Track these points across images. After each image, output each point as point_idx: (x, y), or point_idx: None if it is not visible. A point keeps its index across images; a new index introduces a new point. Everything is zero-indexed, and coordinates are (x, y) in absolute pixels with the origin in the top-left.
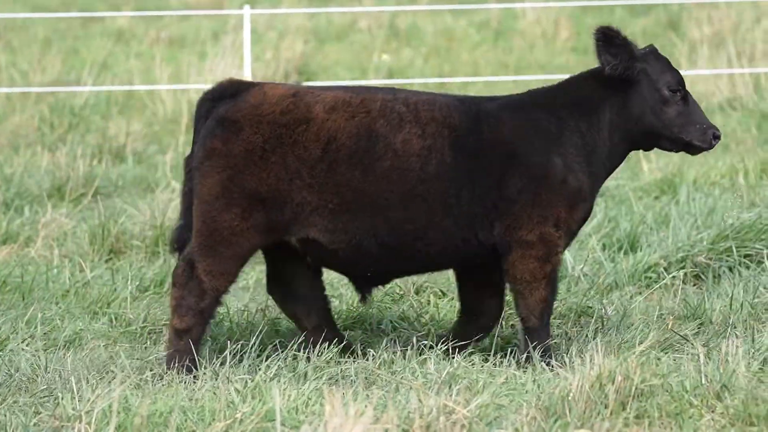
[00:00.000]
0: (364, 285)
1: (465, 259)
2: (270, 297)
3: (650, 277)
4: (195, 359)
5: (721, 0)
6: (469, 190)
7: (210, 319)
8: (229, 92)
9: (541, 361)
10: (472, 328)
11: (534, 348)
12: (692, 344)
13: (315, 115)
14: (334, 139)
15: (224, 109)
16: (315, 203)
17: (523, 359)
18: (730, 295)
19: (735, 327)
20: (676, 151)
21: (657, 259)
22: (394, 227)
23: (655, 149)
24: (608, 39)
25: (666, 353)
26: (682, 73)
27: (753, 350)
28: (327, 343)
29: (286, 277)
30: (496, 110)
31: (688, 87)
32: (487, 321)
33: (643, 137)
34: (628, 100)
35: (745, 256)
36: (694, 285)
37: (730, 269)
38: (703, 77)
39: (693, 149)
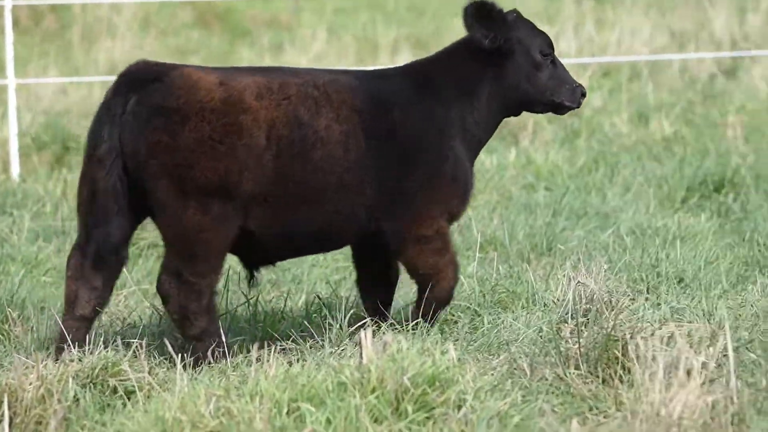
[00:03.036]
0: (255, 267)
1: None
2: None
3: None
4: (225, 350)
5: None
6: (377, 178)
7: (216, 313)
8: (150, 77)
9: None
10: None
11: None
12: None
13: (249, 104)
14: (273, 127)
15: (158, 96)
16: (258, 194)
17: None
18: None
19: None
20: (544, 113)
21: None
22: (325, 218)
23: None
24: (483, 14)
25: None
26: None
27: None
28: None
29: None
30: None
31: None
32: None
33: (517, 105)
34: (505, 70)
35: None
36: None
37: None
38: None
39: (563, 109)
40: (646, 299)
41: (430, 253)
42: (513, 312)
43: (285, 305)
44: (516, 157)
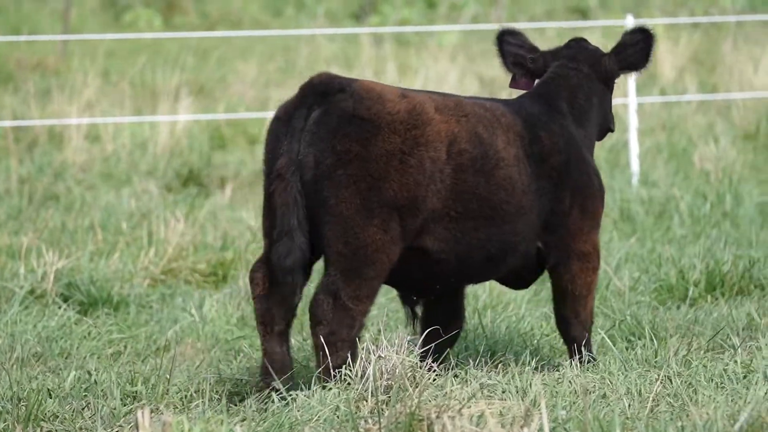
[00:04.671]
0: (415, 300)
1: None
2: None
3: None
4: None
5: None
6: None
7: (357, 349)
8: (334, 88)
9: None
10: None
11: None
12: None
13: (431, 117)
14: (455, 141)
15: (348, 105)
16: (440, 210)
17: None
18: None
19: None
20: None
21: None
22: (503, 240)
23: None
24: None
25: None
26: None
27: None
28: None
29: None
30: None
31: None
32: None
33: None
34: (606, 96)
35: None
36: None
37: None
38: None
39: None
40: (454, 375)
41: (589, 271)
42: (307, 389)
43: (52, 382)
44: None
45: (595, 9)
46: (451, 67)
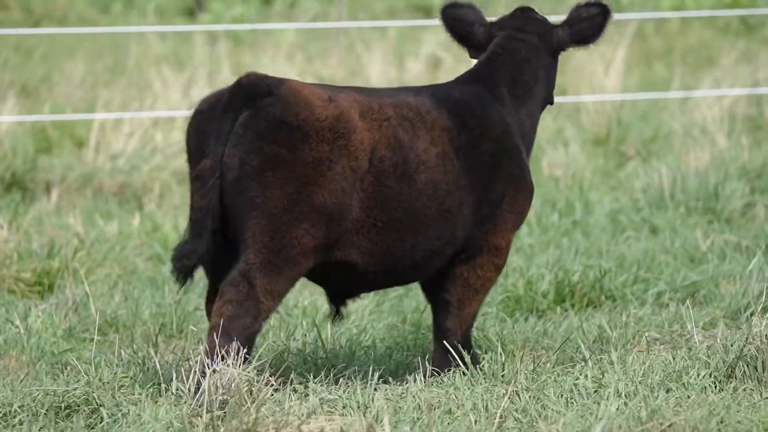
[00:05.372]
0: (341, 299)
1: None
2: None
3: None
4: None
5: None
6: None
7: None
8: (263, 91)
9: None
10: None
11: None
12: None
13: (356, 124)
14: (377, 148)
15: (277, 110)
16: (364, 220)
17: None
18: None
19: None
20: None
21: None
22: (428, 247)
23: None
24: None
25: None
26: None
27: None
28: None
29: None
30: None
31: None
32: None
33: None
34: (552, 71)
35: None
36: None
37: None
38: None
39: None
40: (293, 389)
41: (493, 267)
42: (138, 404)
43: None
44: (140, 224)
45: (439, 7)
46: (289, 66)
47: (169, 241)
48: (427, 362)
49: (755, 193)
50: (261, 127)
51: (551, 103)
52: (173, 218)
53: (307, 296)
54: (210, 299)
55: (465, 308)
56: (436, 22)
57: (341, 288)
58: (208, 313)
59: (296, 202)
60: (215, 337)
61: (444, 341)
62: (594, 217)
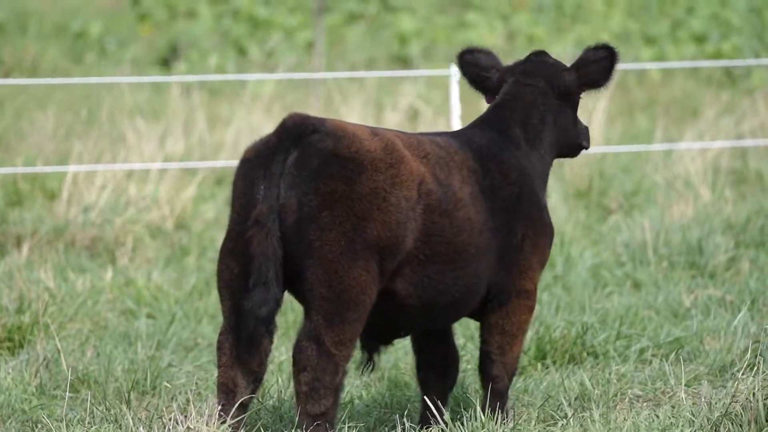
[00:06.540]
0: (375, 346)
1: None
2: None
3: None
4: None
5: None
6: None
7: (340, 396)
8: (308, 129)
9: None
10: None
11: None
12: None
13: (403, 154)
14: (423, 181)
15: (328, 144)
16: (411, 252)
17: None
18: None
19: None
20: (566, 157)
21: None
22: (466, 283)
23: None
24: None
25: None
26: None
27: None
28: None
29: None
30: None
31: None
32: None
33: (561, 149)
34: (563, 114)
35: None
36: None
37: None
38: None
39: (579, 152)
40: None
41: (526, 309)
42: None
43: None
44: (113, 279)
45: (418, 58)
46: (267, 118)
47: (142, 296)
48: (480, 411)
49: (740, 247)
50: (314, 164)
51: (584, 147)
52: (146, 272)
53: (283, 352)
54: (223, 333)
55: (506, 354)
56: (415, 73)
57: (377, 329)
58: (219, 349)
59: (352, 239)
60: (304, 405)
61: (494, 387)
62: (575, 272)
